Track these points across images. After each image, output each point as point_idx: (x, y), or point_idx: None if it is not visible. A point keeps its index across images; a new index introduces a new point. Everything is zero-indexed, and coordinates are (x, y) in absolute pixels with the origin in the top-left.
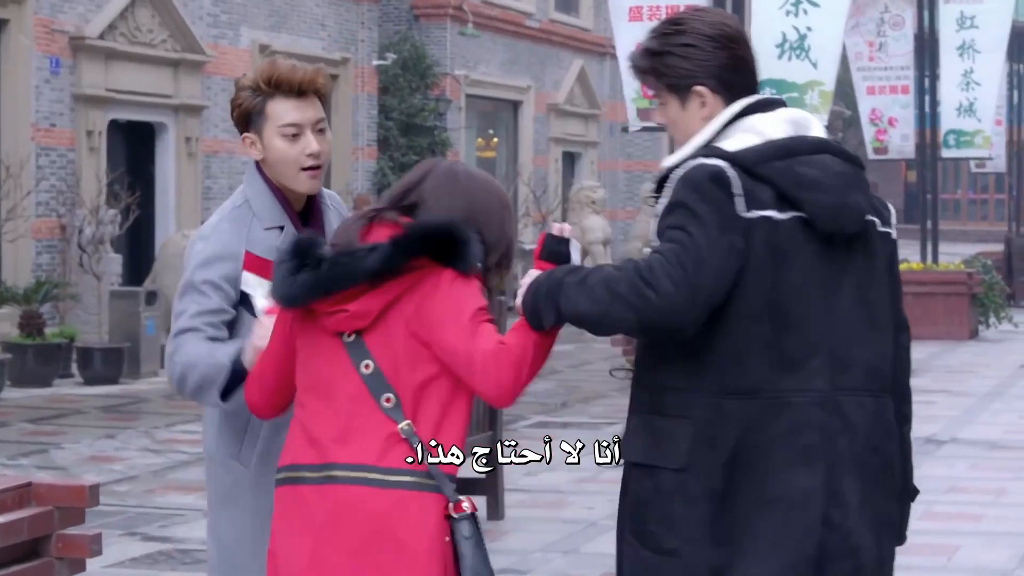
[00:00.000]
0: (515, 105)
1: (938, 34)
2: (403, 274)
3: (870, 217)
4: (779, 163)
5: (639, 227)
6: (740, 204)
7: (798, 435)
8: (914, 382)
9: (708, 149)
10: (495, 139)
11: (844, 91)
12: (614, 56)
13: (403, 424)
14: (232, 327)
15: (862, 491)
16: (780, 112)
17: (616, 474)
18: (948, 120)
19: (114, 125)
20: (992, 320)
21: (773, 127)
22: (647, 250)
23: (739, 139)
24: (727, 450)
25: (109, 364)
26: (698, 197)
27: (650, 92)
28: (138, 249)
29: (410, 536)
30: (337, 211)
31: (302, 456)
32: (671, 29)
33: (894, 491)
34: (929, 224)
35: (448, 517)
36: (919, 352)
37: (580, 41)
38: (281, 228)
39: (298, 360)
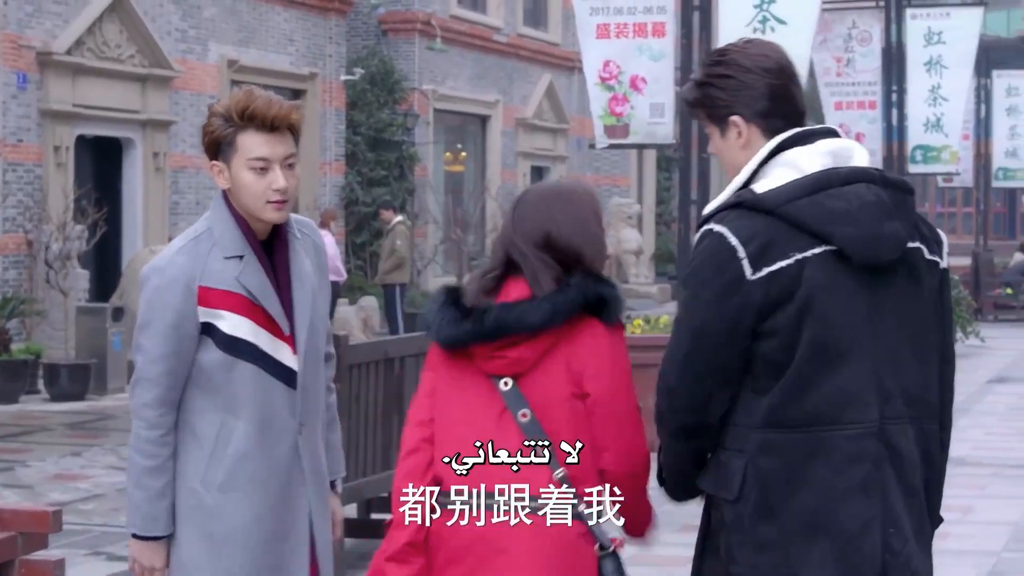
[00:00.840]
0: (483, 119)
1: (905, 50)
2: (559, 326)
3: (915, 244)
4: (805, 200)
5: (609, 241)
6: (747, 267)
7: (854, 466)
8: None
9: (739, 195)
10: (463, 153)
11: (812, 107)
12: (583, 71)
13: (558, 472)
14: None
15: (913, 518)
16: (820, 144)
17: None
18: (915, 135)
19: (81, 140)
20: (959, 335)
21: (810, 160)
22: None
23: (776, 175)
24: (781, 482)
25: (75, 380)
26: (698, 275)
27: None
28: (105, 265)
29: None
30: (311, 239)
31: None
32: (713, 60)
33: (930, 518)
34: None
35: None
36: None
37: (548, 56)
38: (241, 257)
39: (441, 397)
